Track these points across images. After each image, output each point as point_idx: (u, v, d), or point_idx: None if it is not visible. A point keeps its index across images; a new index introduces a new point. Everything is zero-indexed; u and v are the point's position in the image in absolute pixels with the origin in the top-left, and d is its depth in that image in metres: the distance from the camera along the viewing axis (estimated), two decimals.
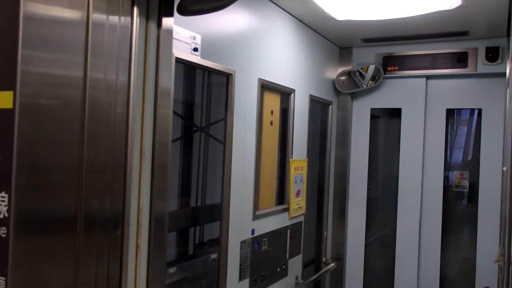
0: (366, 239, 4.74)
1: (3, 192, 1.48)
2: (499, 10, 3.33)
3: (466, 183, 4.45)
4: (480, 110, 4.33)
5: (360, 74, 4.56)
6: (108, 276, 1.86)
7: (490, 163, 4.17)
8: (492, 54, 4.17)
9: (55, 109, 1.58)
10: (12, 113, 1.44)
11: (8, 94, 1.45)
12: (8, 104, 1.45)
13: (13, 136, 1.45)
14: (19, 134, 1.46)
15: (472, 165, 4.44)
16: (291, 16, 3.64)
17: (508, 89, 3.38)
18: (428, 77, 4.46)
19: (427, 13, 3.43)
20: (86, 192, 1.70)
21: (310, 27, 3.98)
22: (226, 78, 2.84)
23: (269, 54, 3.33)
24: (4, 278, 1.49)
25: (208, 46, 2.59)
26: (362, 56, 4.63)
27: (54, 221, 1.62)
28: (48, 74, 1.54)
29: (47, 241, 1.62)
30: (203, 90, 3.14)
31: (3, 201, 1.47)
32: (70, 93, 1.62)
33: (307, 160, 4.03)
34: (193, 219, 3.11)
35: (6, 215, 1.47)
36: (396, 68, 4.53)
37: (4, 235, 1.48)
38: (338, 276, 4.74)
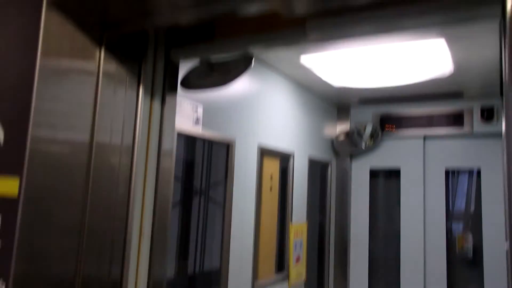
0: None
1: (1, 279, 1.43)
2: (491, 72, 3.41)
3: (469, 247, 4.37)
4: (479, 171, 4.34)
5: (358, 133, 4.60)
6: None
7: (492, 225, 4.12)
8: (488, 114, 4.23)
9: (59, 180, 1.56)
10: (17, 203, 1.42)
11: (15, 181, 1.44)
12: (14, 192, 1.43)
13: (16, 225, 1.42)
14: (21, 222, 1.43)
15: (475, 227, 4.38)
16: (289, 80, 3.71)
17: (505, 150, 3.40)
18: (425, 137, 4.49)
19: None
20: (86, 254, 1.66)
21: (308, 90, 4.05)
22: (227, 147, 2.85)
23: (269, 119, 3.36)
24: None
25: (209, 116, 2.62)
26: (360, 115, 4.68)
27: (53, 281, 1.57)
28: (55, 154, 1.53)
29: None
30: (204, 157, 3.14)
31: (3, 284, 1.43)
32: (76, 163, 1.62)
33: (307, 223, 3.97)
34: (189, 284, 3.02)
35: None
36: (394, 127, 4.57)
37: None
38: None
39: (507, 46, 1.23)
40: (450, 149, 4.43)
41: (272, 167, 3.50)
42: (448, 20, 1.58)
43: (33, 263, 1.48)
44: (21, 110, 1.48)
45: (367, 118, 4.63)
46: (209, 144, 3.03)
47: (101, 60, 1.73)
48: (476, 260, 4.32)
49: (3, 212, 1.46)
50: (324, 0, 1.39)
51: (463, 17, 1.54)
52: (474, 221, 4.39)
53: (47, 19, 1.49)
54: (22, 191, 1.41)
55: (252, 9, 1.44)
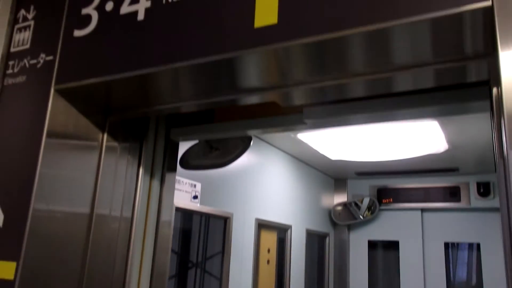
0: None
1: None
2: (485, 148, 3.47)
3: None
4: (478, 245, 4.30)
5: (356, 205, 4.61)
6: None
7: None
8: (484, 189, 4.26)
9: (57, 254, 1.55)
10: (12, 285, 1.42)
11: (11, 265, 1.44)
12: (10, 275, 1.43)
13: None
14: None
15: None
16: (286, 154, 3.78)
17: (503, 227, 3.39)
18: (423, 210, 4.50)
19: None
20: None
21: (304, 162, 4.11)
22: (224, 220, 2.86)
23: (266, 193, 3.39)
24: None
25: (207, 192, 2.66)
26: (357, 187, 4.72)
27: None
28: (54, 230, 1.55)
29: None
30: (201, 230, 3.14)
31: None
32: (75, 236, 1.62)
33: None
34: None
35: None
36: (391, 199, 4.59)
37: None
38: None
39: (496, 139, 1.28)
40: (449, 223, 4.42)
41: (270, 240, 3.48)
42: (441, 113, 1.66)
43: None
44: (23, 189, 1.52)
45: (364, 190, 4.67)
46: (207, 218, 3.04)
47: (104, 141, 1.79)
48: None
49: None
50: (320, 93, 1.47)
51: (454, 110, 1.62)
52: None
53: (53, 104, 1.57)
54: (18, 274, 1.41)
55: (252, 101, 1.52)
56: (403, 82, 1.37)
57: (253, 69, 1.30)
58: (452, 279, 4.43)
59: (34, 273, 1.47)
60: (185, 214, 2.70)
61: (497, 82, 0.89)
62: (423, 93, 1.57)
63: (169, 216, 2.17)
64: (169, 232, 2.20)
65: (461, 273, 4.50)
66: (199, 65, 1.27)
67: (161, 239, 2.12)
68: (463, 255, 4.54)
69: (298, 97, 1.49)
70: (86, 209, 1.69)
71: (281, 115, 1.83)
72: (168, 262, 2.20)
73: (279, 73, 1.34)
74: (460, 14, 0.93)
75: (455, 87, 1.56)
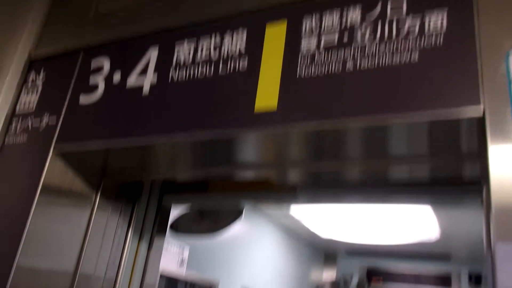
0: None
1: None
2: (478, 237, 3.45)
3: None
4: None
5: (345, 284, 4.49)
6: None
7: None
8: (476, 279, 4.18)
9: None
10: None
11: None
12: None
13: None
14: None
15: None
16: (277, 226, 3.76)
17: None
18: None
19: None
20: None
21: (295, 236, 4.07)
22: None
23: (254, 263, 3.33)
24: None
25: (195, 257, 2.61)
26: (347, 265, 4.63)
27: None
28: (39, 275, 1.51)
29: None
30: None
31: None
32: None
33: None
34: None
35: None
36: (381, 281, 4.49)
37: None
38: None
39: (485, 232, 1.29)
40: None
41: None
42: (436, 204, 1.68)
43: None
44: (11, 245, 1.50)
45: (354, 268, 4.58)
46: (191, 286, 2.96)
47: (96, 201, 1.79)
48: None
49: None
50: (316, 176, 1.49)
51: (449, 203, 1.64)
52: None
53: (50, 166, 1.59)
54: None
55: (246, 176, 1.54)
56: (399, 173, 1.39)
57: (250, 149, 1.34)
58: None
59: None
60: (170, 281, 2.63)
61: (486, 179, 0.93)
62: (419, 185, 1.60)
63: (153, 281, 2.12)
64: None
65: None
66: (198, 141, 1.31)
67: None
68: None
69: (293, 177, 1.52)
70: (70, 267, 1.66)
71: (274, 191, 1.84)
72: None
73: (276, 154, 1.37)
74: (457, 121, 0.98)
75: (450, 182, 1.58)
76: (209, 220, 2.06)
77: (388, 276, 4.49)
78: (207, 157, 1.44)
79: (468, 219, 2.99)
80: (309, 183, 1.71)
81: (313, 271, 4.49)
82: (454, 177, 1.49)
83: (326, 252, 4.67)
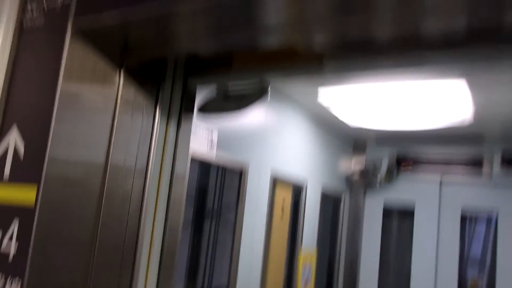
0: None
1: (17, 277, 1.49)
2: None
3: None
4: (496, 218, 4.23)
5: (374, 171, 4.56)
6: None
7: (507, 272, 3.99)
8: (508, 162, 4.15)
9: (73, 199, 1.60)
10: (33, 211, 1.48)
11: (32, 190, 1.49)
12: (31, 201, 1.49)
13: (32, 229, 1.47)
14: (37, 229, 1.48)
15: (489, 273, 4.25)
16: (306, 114, 3.74)
17: None
18: (442, 180, 4.42)
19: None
20: (95, 276, 1.68)
21: (324, 124, 4.07)
22: (239, 173, 2.87)
23: (283, 147, 3.38)
24: None
25: (224, 140, 2.65)
26: (376, 153, 4.66)
27: None
28: (70, 171, 1.58)
29: None
30: (217, 182, 3.17)
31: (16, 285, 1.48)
32: (90, 182, 1.66)
33: (316, 250, 3.93)
34: None
35: None
36: (410, 167, 4.53)
37: None
38: None
39: None
40: (467, 194, 4.34)
41: (285, 195, 3.49)
42: (471, 66, 1.58)
43: (46, 269, 1.51)
44: (41, 128, 1.54)
45: (383, 156, 4.60)
46: (223, 170, 3.05)
47: (120, 85, 1.79)
48: None
49: (20, 218, 1.51)
50: (343, 35, 1.41)
51: (485, 67, 1.54)
52: (489, 267, 4.26)
53: (71, 46, 1.57)
54: (39, 200, 1.46)
55: (269, 41, 1.48)
56: (433, 28, 1.29)
57: (271, 3, 1.26)
58: (466, 252, 4.40)
59: (54, 202, 1.51)
60: (201, 167, 2.72)
61: None
62: (453, 46, 1.49)
63: (184, 166, 2.18)
64: (183, 181, 2.22)
65: (476, 244, 4.46)
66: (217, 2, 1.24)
67: (176, 187, 2.14)
68: (480, 229, 4.48)
69: (319, 40, 1.44)
70: (101, 158, 1.70)
71: (300, 62, 1.78)
72: (182, 210, 2.23)
73: (299, 9, 1.29)
74: None
75: (486, 38, 1.47)
76: (235, 99, 2.05)
77: (418, 161, 4.51)
78: (227, 20, 1.38)
79: (505, 92, 2.87)
80: (336, 48, 1.63)
81: (342, 159, 4.55)
82: (492, 29, 1.38)
83: (355, 140, 4.69)
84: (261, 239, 3.08)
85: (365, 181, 4.58)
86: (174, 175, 2.12)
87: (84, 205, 1.66)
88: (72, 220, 1.62)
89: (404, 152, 4.56)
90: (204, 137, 2.48)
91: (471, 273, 4.38)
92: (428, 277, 4.28)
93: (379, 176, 4.52)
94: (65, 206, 1.58)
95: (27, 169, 1.55)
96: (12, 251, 1.54)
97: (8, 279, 1.52)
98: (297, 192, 3.73)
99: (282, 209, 3.48)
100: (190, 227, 3.09)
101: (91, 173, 1.68)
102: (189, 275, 3.05)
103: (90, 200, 1.68)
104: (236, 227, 2.85)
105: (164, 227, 2.11)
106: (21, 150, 1.60)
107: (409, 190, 4.53)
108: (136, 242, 1.91)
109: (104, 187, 1.72)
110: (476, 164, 4.28)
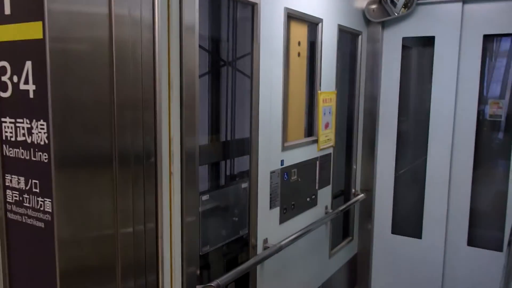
0: (396, 172, 4.75)
1: (41, 120, 1.55)
2: None
3: (501, 112, 4.33)
4: None
5: (392, 1, 4.36)
6: (145, 203, 1.96)
7: None
8: None
9: (83, 45, 1.61)
10: (43, 43, 1.48)
11: (37, 25, 1.48)
12: (38, 35, 1.48)
13: (46, 66, 1.50)
14: (51, 64, 1.50)
15: (510, 96, 4.28)
16: None
17: None
18: (465, 0, 4.21)
19: None
20: (119, 127, 1.77)
21: None
22: (251, 8, 2.78)
23: None
24: (50, 200, 1.60)
25: None
26: None
27: (91, 151, 1.70)
28: (73, 10, 1.56)
29: (86, 170, 1.71)
30: (229, 22, 3.10)
31: (42, 128, 1.55)
32: (96, 31, 1.65)
33: (335, 92, 3.99)
34: (224, 152, 3.19)
35: (46, 141, 1.56)
36: None
37: (46, 160, 1.57)
38: (368, 207, 4.83)
39: None
40: (491, 14, 4.15)
41: (300, 33, 3.43)
42: None
43: (68, 106, 1.59)
44: None
45: None
46: (234, 5, 2.96)
47: None
48: (507, 126, 4.30)
49: (32, 58, 1.54)
50: None
51: None
52: (509, 89, 4.28)
53: None
54: (47, 32, 1.46)
55: None
56: None
57: None
58: (487, 72, 4.38)
59: (62, 33, 1.52)
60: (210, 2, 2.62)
61: None
62: None
63: (192, 16, 2.13)
64: (193, 18, 2.17)
65: (499, 71, 4.42)
66: None
67: (186, 31, 2.11)
68: (503, 47, 4.40)
69: None
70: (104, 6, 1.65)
71: None
72: (196, 60, 2.22)
73: None
74: None
75: None
76: None
77: None
78: None
79: None
80: None
81: None
82: None
83: None
84: (279, 82, 3.11)
85: (383, 13, 4.40)
86: (184, 22, 2.07)
87: (94, 60, 1.65)
88: (86, 75, 1.63)
89: None
90: None
91: (492, 93, 4.43)
92: (448, 100, 4.35)
93: (397, 5, 4.33)
94: (75, 43, 1.59)
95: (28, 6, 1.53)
96: (31, 94, 1.57)
97: (33, 123, 1.57)
98: (313, 30, 3.64)
99: (299, 47, 3.45)
100: (207, 76, 3.12)
101: (95, 26, 1.65)
102: (212, 125, 3.17)
103: (100, 49, 1.68)
104: (253, 70, 2.86)
105: (180, 74, 2.13)
106: None
107: (429, 16, 4.36)
108: (154, 94, 1.94)
109: (112, 39, 1.70)
110: None
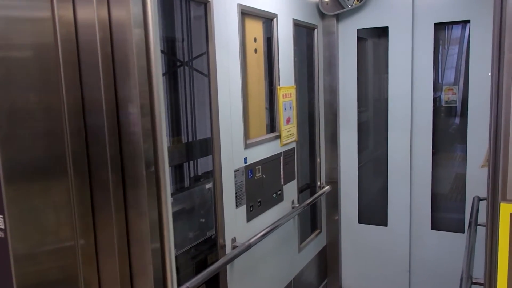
0: (359, 162, 4.83)
1: None
2: None
3: (455, 98, 4.47)
4: (469, 23, 4.25)
5: None
6: None
7: (479, 77, 4.15)
8: None
9: (26, 51, 1.53)
10: None
11: None
12: None
13: None
14: None
15: (464, 81, 4.43)
16: None
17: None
18: None
19: None
20: (71, 134, 1.70)
21: None
22: (204, 6, 2.75)
23: None
24: (1, 216, 1.52)
25: None
26: None
27: (42, 161, 1.63)
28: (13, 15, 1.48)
29: (39, 181, 1.63)
30: (182, 22, 3.05)
31: None
32: (40, 35, 1.58)
33: (295, 87, 4.01)
34: (186, 154, 3.14)
35: None
36: None
37: None
38: (334, 198, 4.89)
39: None
40: (441, 3, 4.28)
41: (255, 30, 3.42)
42: None
43: (14, 122, 1.51)
44: None
45: None
46: (187, 4, 2.92)
47: None
48: (462, 110, 4.44)
49: None
50: None
51: None
52: (464, 76, 4.42)
53: None
54: None
55: None
56: None
57: None
58: (440, 60, 4.51)
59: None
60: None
61: None
62: None
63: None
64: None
65: (452, 58, 4.55)
66: None
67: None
68: (454, 35, 4.54)
69: None
70: None
71: None
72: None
73: None
74: None
75: None
76: None
77: None
78: None
79: None
80: None
81: None
82: None
83: None
84: (238, 80, 3.09)
85: (336, 6, 4.46)
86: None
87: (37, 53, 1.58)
88: (31, 84, 1.55)
89: None
90: None
91: (446, 80, 4.57)
92: (404, 96, 4.44)
93: None
94: (16, 50, 1.51)
95: None
96: None
97: None
98: (268, 26, 3.64)
99: (255, 47, 3.43)
100: (164, 78, 3.06)
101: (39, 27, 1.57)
102: (173, 130, 3.12)
103: (45, 54, 1.60)
104: (210, 69, 2.82)
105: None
106: None
107: (382, 6, 4.45)
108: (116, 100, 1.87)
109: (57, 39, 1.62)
110: None
